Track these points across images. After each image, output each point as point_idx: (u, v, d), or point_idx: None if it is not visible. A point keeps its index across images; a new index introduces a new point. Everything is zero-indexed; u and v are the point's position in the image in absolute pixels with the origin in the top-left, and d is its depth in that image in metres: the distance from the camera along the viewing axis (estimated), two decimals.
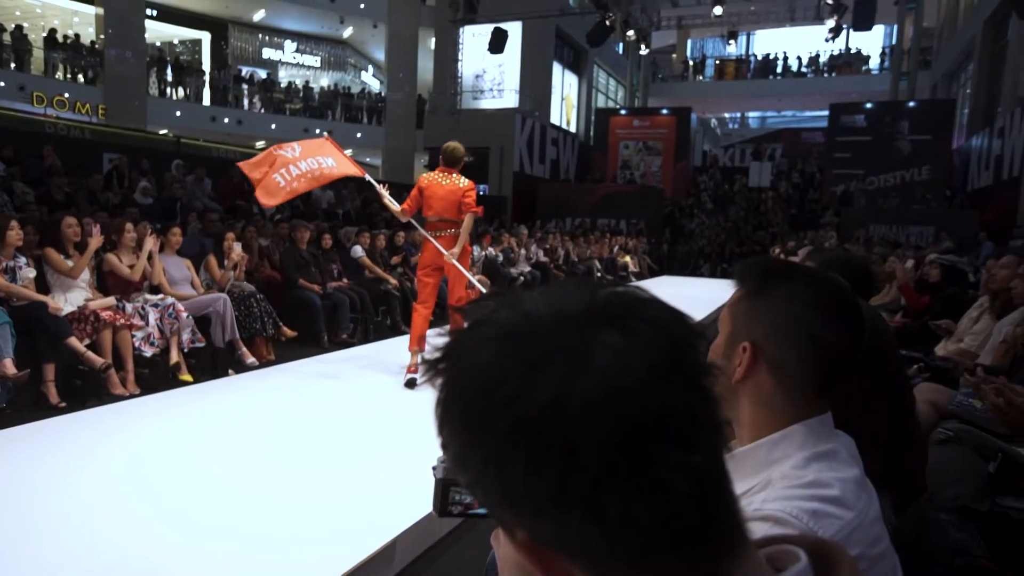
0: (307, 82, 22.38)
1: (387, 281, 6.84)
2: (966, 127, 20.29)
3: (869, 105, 20.13)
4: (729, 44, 18.70)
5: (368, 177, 4.96)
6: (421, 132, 20.67)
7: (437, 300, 5.12)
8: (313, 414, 3.92)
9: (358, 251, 6.94)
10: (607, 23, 13.89)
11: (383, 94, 22.94)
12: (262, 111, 20.78)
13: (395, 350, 5.85)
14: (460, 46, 17.09)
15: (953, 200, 18.03)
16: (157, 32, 21.84)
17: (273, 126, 20.93)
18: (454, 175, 4.60)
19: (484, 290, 5.57)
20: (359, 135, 22.63)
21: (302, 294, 6.19)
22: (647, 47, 17.03)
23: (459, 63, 17.14)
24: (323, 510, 2.55)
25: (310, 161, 4.61)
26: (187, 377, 4.76)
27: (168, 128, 19.53)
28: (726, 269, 17.65)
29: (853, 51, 27.68)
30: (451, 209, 4.56)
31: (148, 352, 4.62)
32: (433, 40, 21.54)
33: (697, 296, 10.95)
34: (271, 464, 3.05)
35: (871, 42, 28.45)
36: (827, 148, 20.61)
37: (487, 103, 20.68)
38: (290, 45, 24.56)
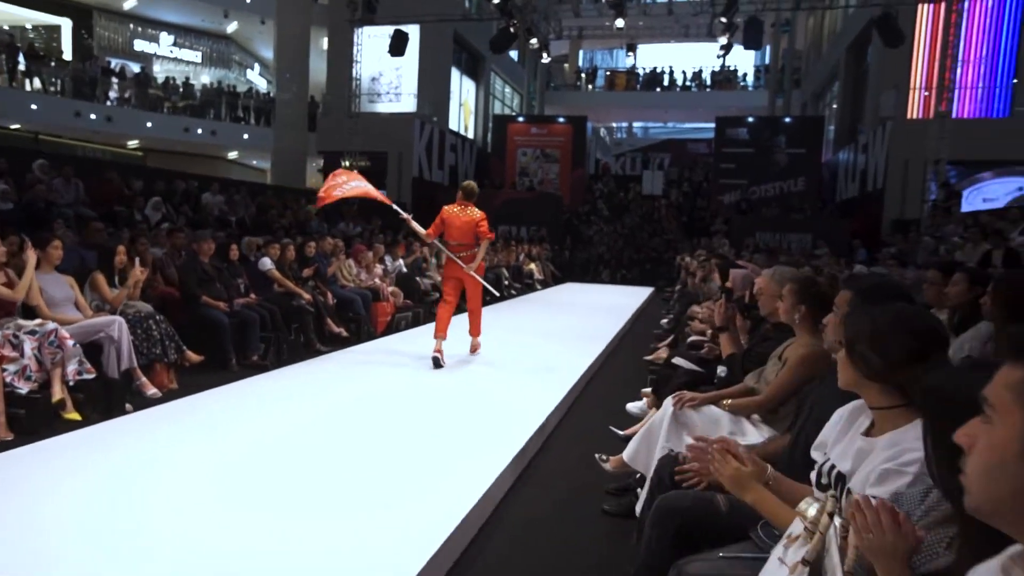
0: (187, 78, 20.81)
1: (299, 296, 6.33)
2: (832, 143, 22.05)
3: (751, 119, 21.42)
4: (628, 56, 19.23)
5: (395, 206, 6.03)
6: (314, 135, 19.78)
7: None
8: (238, 451, 3.45)
9: (266, 263, 6.38)
10: (511, 30, 13.81)
11: (272, 94, 21.77)
12: (135, 108, 19.06)
13: (312, 371, 5.40)
14: (358, 47, 16.47)
15: (823, 210, 19.49)
16: (6, 15, 19.54)
17: (149, 124, 19.28)
18: (470, 208, 5.71)
19: (495, 292, 6.68)
20: (246, 136, 21.33)
21: (206, 313, 5.59)
22: (548, 55, 17.16)
23: (357, 65, 16.50)
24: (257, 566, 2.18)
25: (355, 183, 5.80)
26: (74, 416, 4.10)
27: (22, 123, 17.49)
28: (625, 275, 18.14)
29: (731, 68, 29.46)
30: (469, 235, 5.68)
31: (24, 389, 3.95)
32: (326, 40, 20.70)
33: (602, 302, 11.11)
34: (197, 521, 2.60)
35: (745, 61, 30.42)
36: (715, 159, 21.69)
37: (384, 107, 20.11)
38: (166, 38, 22.76)
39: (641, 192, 22.22)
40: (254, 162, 24.32)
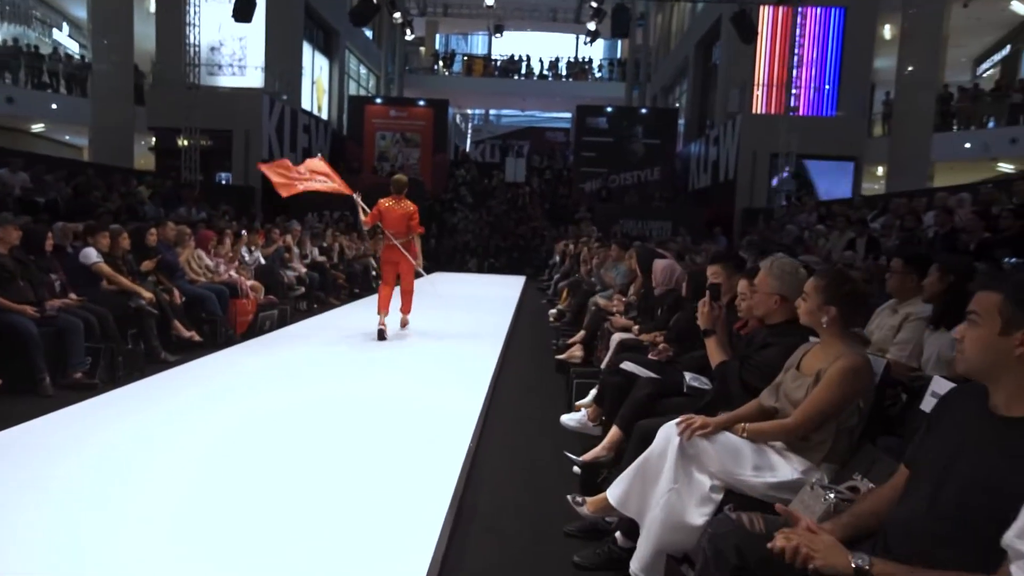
0: None
1: (138, 294, 5.15)
2: (683, 135, 23.11)
3: (609, 109, 21.85)
4: (496, 37, 18.73)
5: (356, 196, 6.47)
6: (143, 110, 17.40)
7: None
8: (57, 498, 2.48)
9: (91, 255, 5.11)
10: (374, 1, 12.79)
11: (87, 60, 18.90)
12: None
13: (159, 388, 4.35)
14: (195, 10, 14.58)
15: (676, 199, 20.33)
16: None
17: None
18: (403, 201, 6.37)
19: (423, 274, 7.13)
20: (54, 107, 18.34)
21: (5, 319, 4.33)
22: (411, 32, 16.25)
23: (194, 29, 14.61)
24: None
25: (320, 178, 6.51)
26: None
27: None
28: (493, 263, 17.75)
29: (586, 60, 30.07)
30: (403, 226, 6.33)
31: None
32: (153, 2, 18.28)
33: (479, 294, 10.52)
34: None
35: (597, 55, 31.22)
36: (576, 148, 21.91)
37: (227, 80, 18.15)
38: None
39: (504, 179, 21.97)
40: (66, 137, 21.08)
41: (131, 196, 10.16)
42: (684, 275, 3.71)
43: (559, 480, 3.02)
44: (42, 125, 19.76)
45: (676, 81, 25.10)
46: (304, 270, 8.25)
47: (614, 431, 2.75)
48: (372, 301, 9.27)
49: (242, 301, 6.22)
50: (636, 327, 3.96)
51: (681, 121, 23.14)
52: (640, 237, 16.40)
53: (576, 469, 2.88)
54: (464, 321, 7.48)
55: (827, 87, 17.30)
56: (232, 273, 6.40)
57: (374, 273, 11.55)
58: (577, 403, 3.59)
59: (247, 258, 7.07)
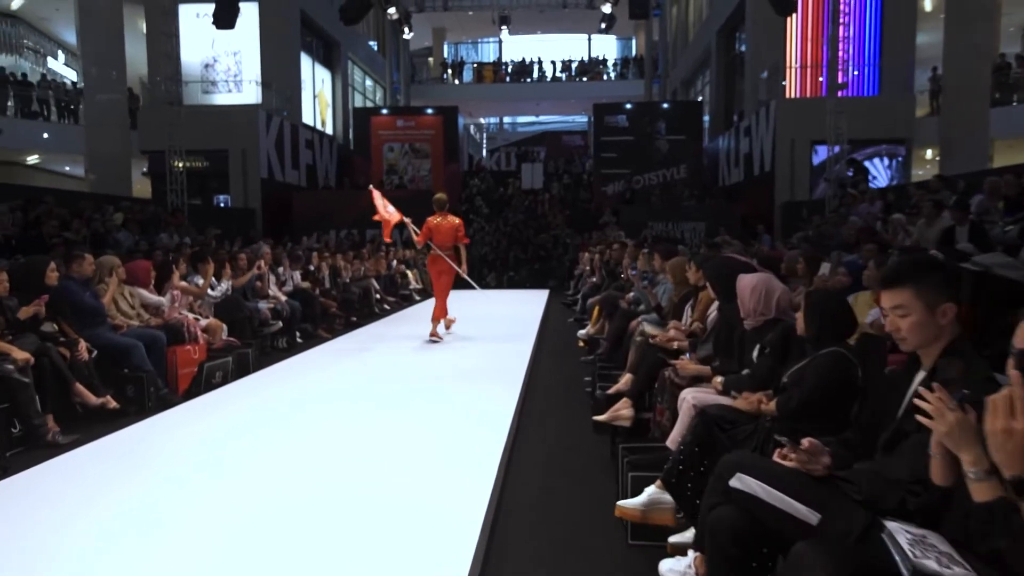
0: None
1: (7, 356, 3.76)
2: (708, 129, 21.69)
3: (629, 105, 20.52)
4: (501, 29, 17.54)
5: (407, 220, 7.54)
6: (136, 133, 16.49)
7: None
8: None
9: None
10: None
11: (78, 86, 18.13)
12: None
13: (33, 485, 3.13)
14: (186, 25, 13.59)
15: (704, 197, 18.88)
16: None
17: None
18: (448, 216, 7.18)
19: (475, 285, 8.24)
20: (45, 135, 17.52)
21: None
22: (409, 30, 15.11)
23: (175, 40, 13.60)
24: None
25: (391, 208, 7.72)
26: None
27: None
28: (513, 277, 16.47)
29: (600, 58, 28.84)
30: (449, 239, 7.13)
31: None
32: (145, 22, 17.43)
33: (497, 314, 9.17)
34: None
35: (610, 53, 30.01)
36: (595, 149, 20.62)
37: (223, 98, 17.21)
38: None
39: (521, 187, 20.74)
40: (66, 168, 20.30)
41: (104, 223, 9.09)
42: (788, 295, 2.41)
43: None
44: (36, 156, 18.99)
45: (697, 74, 23.72)
46: (284, 298, 7.02)
47: None
48: (373, 330, 8.12)
49: (185, 348, 4.92)
50: (718, 380, 2.62)
51: (705, 117, 21.73)
52: (672, 240, 15.04)
53: None
54: (476, 353, 6.21)
55: (867, 64, 15.84)
56: (184, 311, 5.16)
57: (378, 296, 10.35)
58: (670, 541, 2.24)
59: (212, 291, 5.85)
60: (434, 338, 6.89)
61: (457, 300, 7.84)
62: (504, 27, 16.95)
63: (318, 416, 4.15)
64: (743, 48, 18.71)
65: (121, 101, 16.46)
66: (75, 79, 20.89)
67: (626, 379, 3.47)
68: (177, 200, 12.36)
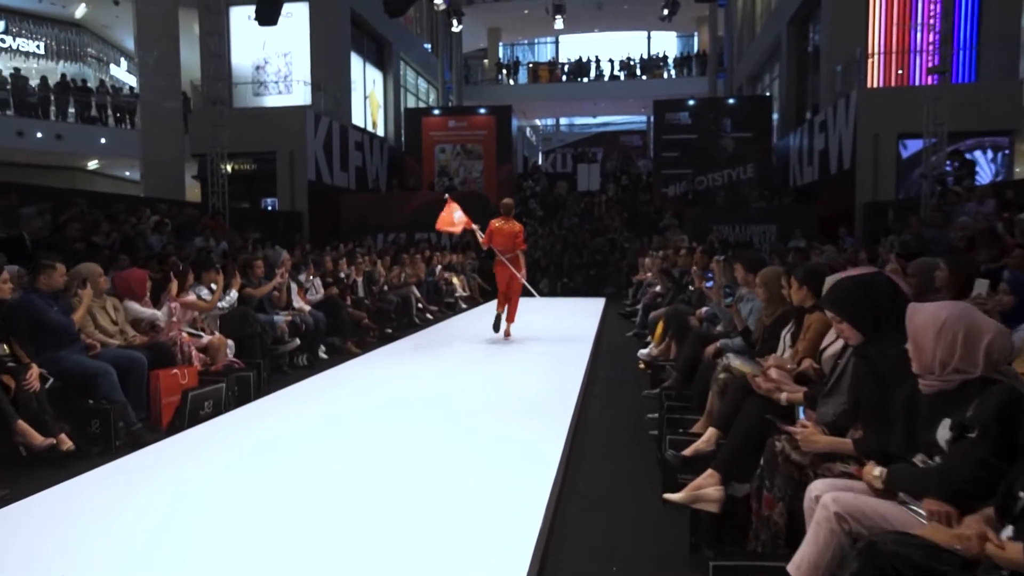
0: (16, 70, 16.94)
1: None
2: (777, 126, 20.28)
3: (692, 102, 19.34)
4: (556, 19, 16.70)
5: (475, 227, 7.50)
6: (188, 137, 16.39)
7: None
8: None
9: None
10: None
11: (135, 91, 18.23)
12: None
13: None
14: (228, 29, 13.32)
15: (775, 198, 17.52)
16: None
17: None
18: (511, 221, 7.37)
19: (534, 293, 8.27)
20: (103, 141, 17.64)
21: None
22: (459, 23, 14.45)
23: (224, 41, 13.33)
24: None
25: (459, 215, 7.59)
26: None
27: None
28: (567, 284, 15.56)
29: (660, 55, 27.64)
30: (510, 243, 7.27)
31: None
32: (199, 25, 17.37)
33: (548, 330, 8.18)
34: None
35: (670, 49, 28.77)
36: (656, 148, 19.53)
37: (273, 100, 16.96)
38: None
39: (577, 188, 19.81)
40: (126, 173, 20.52)
41: (135, 227, 8.68)
42: (1005, 339, 1.47)
43: None
44: (96, 161, 19.22)
45: (765, 68, 22.30)
46: (308, 308, 6.31)
47: None
48: (405, 344, 7.38)
49: (170, 372, 4.13)
50: (877, 471, 1.67)
51: (774, 114, 20.32)
52: (740, 244, 13.86)
53: None
54: (520, 383, 5.27)
55: (961, 49, 14.28)
56: (175, 332, 4.46)
57: (420, 306, 9.64)
58: None
59: (221, 303, 5.20)
60: (508, 337, 7.30)
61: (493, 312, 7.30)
62: (558, 16, 16.06)
63: (319, 456, 3.40)
64: (817, 38, 17.33)
65: (175, 105, 16.43)
66: (135, 85, 21.17)
67: (709, 435, 2.55)
68: (219, 203, 11.98)
